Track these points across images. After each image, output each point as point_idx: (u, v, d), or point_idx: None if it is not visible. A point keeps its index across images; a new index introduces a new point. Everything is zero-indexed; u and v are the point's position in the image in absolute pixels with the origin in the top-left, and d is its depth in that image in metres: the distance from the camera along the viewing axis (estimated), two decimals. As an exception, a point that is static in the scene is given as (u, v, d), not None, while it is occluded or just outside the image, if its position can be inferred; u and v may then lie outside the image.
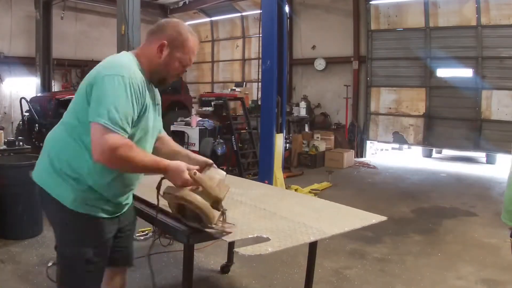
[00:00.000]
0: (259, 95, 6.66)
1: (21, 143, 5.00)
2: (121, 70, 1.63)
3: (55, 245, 1.86)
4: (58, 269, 1.82)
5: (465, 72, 8.72)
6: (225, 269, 3.45)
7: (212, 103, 8.13)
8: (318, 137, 9.29)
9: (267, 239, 1.85)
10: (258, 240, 1.87)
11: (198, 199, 1.70)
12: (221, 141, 7.00)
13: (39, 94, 9.75)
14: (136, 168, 1.68)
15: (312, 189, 6.40)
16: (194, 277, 2.16)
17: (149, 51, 1.78)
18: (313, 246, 2.76)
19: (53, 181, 1.70)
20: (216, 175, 1.85)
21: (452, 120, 8.95)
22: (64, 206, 1.68)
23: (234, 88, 9.57)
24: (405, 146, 11.06)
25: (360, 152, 10.24)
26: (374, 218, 2.39)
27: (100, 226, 1.77)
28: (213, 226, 1.81)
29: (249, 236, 1.90)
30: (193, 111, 10.69)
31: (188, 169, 1.72)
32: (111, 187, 1.74)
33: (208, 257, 3.73)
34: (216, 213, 1.79)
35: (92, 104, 1.60)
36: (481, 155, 9.88)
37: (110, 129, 1.55)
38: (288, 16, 8.98)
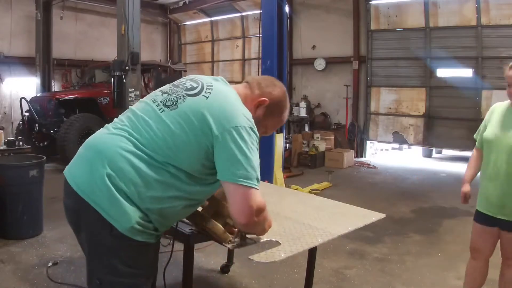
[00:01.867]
0: (259, 95, 6.65)
1: (21, 143, 5.01)
2: (242, 119, 1.50)
3: None
4: None
5: (465, 72, 8.72)
6: (225, 269, 3.45)
7: (212, 103, 8.13)
8: (318, 137, 9.29)
9: (278, 244, 1.84)
10: (270, 245, 1.87)
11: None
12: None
13: (39, 94, 9.75)
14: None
15: (312, 189, 6.40)
16: (194, 277, 2.17)
17: (251, 99, 1.68)
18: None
19: None
20: None
21: (452, 120, 8.95)
22: None
23: (234, 88, 9.57)
24: (405, 146, 11.05)
25: (360, 152, 10.24)
26: (374, 216, 2.40)
27: None
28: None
29: (260, 241, 1.90)
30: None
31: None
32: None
33: (208, 257, 3.73)
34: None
35: (225, 162, 1.46)
36: (481, 155, 9.87)
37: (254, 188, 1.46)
38: (288, 16, 8.98)
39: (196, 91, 1.57)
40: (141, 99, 1.72)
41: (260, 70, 6.26)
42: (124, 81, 7.46)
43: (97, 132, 1.65)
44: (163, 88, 1.71)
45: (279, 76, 5.84)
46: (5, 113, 10.65)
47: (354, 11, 10.19)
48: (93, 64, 10.91)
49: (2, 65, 10.39)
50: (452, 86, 8.84)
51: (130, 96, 7.56)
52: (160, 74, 10.36)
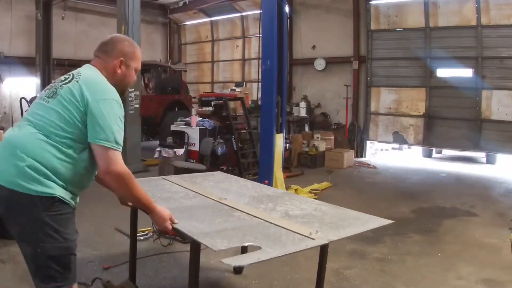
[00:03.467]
0: (259, 95, 6.66)
1: (21, 143, 4.99)
2: (112, 94, 1.88)
3: None
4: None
5: (465, 72, 8.72)
6: (237, 269, 3.43)
7: (212, 103, 8.14)
8: (318, 137, 9.28)
9: (259, 248, 1.81)
10: (250, 249, 1.86)
11: None
12: (221, 141, 7.01)
13: (39, 94, 9.74)
14: (131, 195, 1.92)
15: (312, 189, 6.40)
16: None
17: (108, 67, 1.99)
18: (323, 248, 2.64)
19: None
20: None
21: (452, 120, 8.94)
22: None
23: (234, 88, 9.57)
24: (405, 146, 11.05)
25: (360, 152, 10.24)
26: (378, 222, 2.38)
27: None
28: None
29: (242, 245, 1.90)
30: (193, 111, 10.70)
31: (171, 219, 2.03)
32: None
33: (207, 257, 3.72)
34: None
35: (95, 127, 1.79)
36: (481, 155, 9.88)
37: (115, 149, 1.80)
38: (288, 16, 8.98)
39: (68, 80, 1.91)
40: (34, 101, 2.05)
41: (260, 70, 6.26)
42: (124, 81, 7.44)
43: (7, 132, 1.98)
44: (46, 87, 2.04)
45: (279, 76, 5.85)
46: (5, 113, 10.65)
47: (354, 11, 10.19)
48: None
49: (2, 65, 10.39)
50: (452, 86, 8.84)
51: (130, 96, 7.56)
52: (160, 74, 10.38)
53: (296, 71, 11.78)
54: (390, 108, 9.91)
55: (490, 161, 9.43)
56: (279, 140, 5.93)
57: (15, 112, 10.33)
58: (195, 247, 2.03)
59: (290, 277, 3.39)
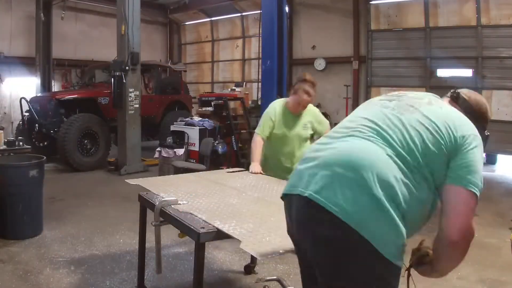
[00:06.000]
0: (259, 95, 6.66)
1: (21, 143, 5.01)
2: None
3: None
4: None
5: (465, 72, 8.72)
6: (247, 269, 3.43)
7: (212, 103, 8.14)
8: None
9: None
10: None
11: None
12: (222, 140, 7.01)
13: (39, 94, 9.75)
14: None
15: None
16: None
17: None
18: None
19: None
20: None
21: (452, 120, 8.94)
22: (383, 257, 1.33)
23: (234, 88, 9.57)
24: (405, 146, 11.05)
25: (360, 152, 10.23)
26: None
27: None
28: None
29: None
30: (193, 111, 10.69)
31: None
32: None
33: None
34: None
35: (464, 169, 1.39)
36: (481, 155, 9.86)
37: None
38: (288, 16, 8.98)
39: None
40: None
41: (260, 70, 6.26)
42: (124, 81, 7.45)
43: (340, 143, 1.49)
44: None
45: (279, 76, 5.85)
46: (5, 113, 10.65)
47: (354, 11, 10.19)
48: (93, 64, 10.90)
49: (2, 65, 10.38)
50: (452, 86, 8.71)
51: (130, 96, 7.55)
52: (160, 74, 10.36)
53: (296, 71, 11.76)
54: (390, 108, 9.90)
55: (490, 161, 9.42)
56: (279, 140, 5.92)
57: (15, 112, 10.32)
58: (199, 246, 2.02)
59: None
